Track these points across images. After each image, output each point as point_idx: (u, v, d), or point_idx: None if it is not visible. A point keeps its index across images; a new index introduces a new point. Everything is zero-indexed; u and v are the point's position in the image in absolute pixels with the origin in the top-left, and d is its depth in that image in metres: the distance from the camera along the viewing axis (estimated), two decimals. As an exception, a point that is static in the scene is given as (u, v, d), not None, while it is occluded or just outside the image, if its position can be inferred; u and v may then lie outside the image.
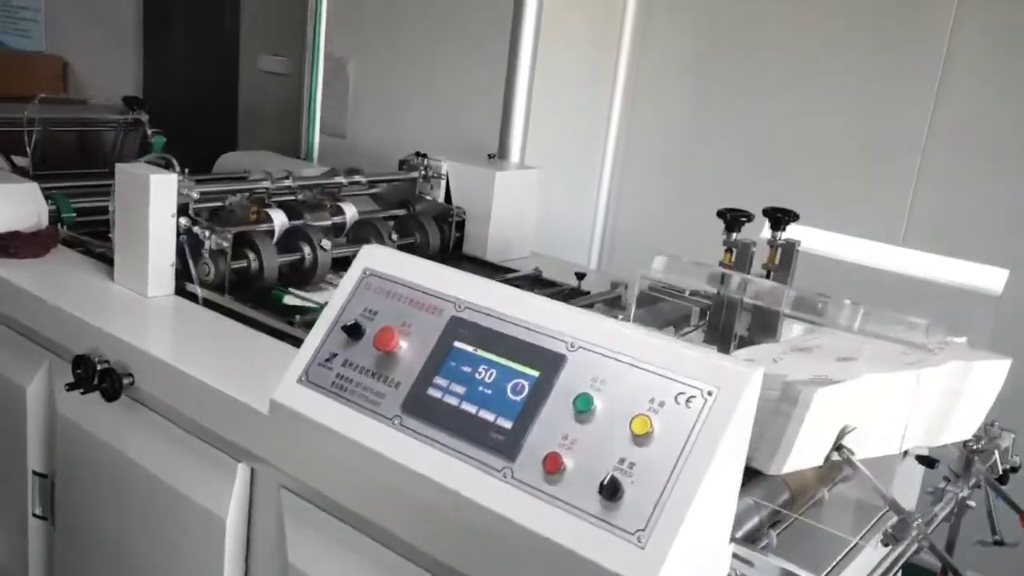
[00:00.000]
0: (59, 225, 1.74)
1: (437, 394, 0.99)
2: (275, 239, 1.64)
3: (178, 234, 1.49)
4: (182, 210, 1.50)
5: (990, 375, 1.07)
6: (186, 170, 1.53)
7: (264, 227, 1.63)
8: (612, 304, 1.64)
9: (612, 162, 2.86)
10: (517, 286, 1.68)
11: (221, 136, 3.81)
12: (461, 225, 1.94)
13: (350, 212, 1.78)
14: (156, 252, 1.46)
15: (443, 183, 1.95)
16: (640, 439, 0.86)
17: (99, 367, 1.29)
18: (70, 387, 1.29)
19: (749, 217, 1.23)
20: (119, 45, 4.43)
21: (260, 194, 1.69)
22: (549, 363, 0.95)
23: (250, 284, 1.54)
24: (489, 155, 2.04)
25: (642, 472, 0.85)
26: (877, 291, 1.53)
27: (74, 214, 1.75)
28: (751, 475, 1.08)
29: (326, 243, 1.60)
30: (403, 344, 1.04)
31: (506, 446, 0.92)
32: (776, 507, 1.08)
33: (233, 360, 1.28)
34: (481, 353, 0.99)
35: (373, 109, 2.94)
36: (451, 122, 2.70)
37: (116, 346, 1.30)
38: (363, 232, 1.76)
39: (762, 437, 1.07)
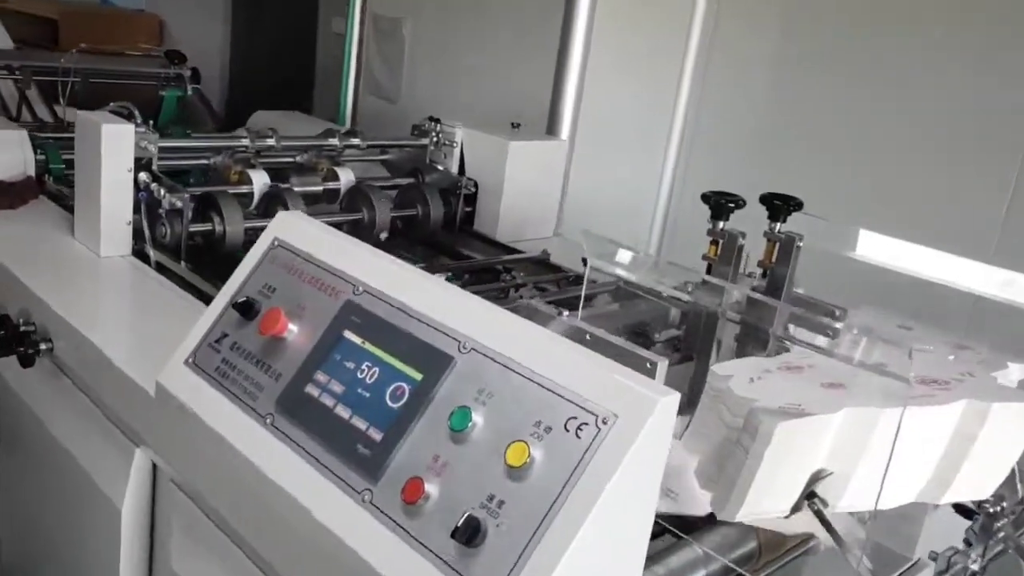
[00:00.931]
0: (47, 176, 1.66)
1: (315, 392, 0.84)
2: (254, 203, 1.52)
3: (139, 191, 1.38)
4: (146, 166, 1.39)
5: (1015, 420, 0.84)
6: (151, 122, 1.41)
7: (243, 189, 1.51)
8: (615, 295, 1.45)
9: (679, 141, 2.63)
10: (509, 270, 1.52)
11: (299, 97, 3.76)
12: (472, 199, 1.77)
13: (345, 178, 1.64)
14: (109, 208, 1.35)
15: (456, 152, 1.79)
16: (515, 472, 0.68)
17: (22, 329, 1.20)
18: (-14, 349, 1.19)
19: (738, 203, 1.02)
20: (209, 4, 4.45)
21: (244, 153, 1.57)
22: (434, 366, 0.78)
23: (215, 249, 1.42)
24: (512, 124, 1.86)
25: (511, 513, 0.67)
26: (929, 307, 1.30)
27: (63, 165, 1.67)
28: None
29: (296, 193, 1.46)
30: (293, 329, 0.89)
31: (371, 463, 0.76)
32: (727, 561, 0.88)
33: (158, 333, 1.15)
34: (368, 347, 0.83)
35: (427, 73, 2.80)
36: (507, 90, 2.52)
37: (41, 308, 1.20)
38: (356, 200, 1.61)
39: (721, 473, 0.88)
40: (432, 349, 0.79)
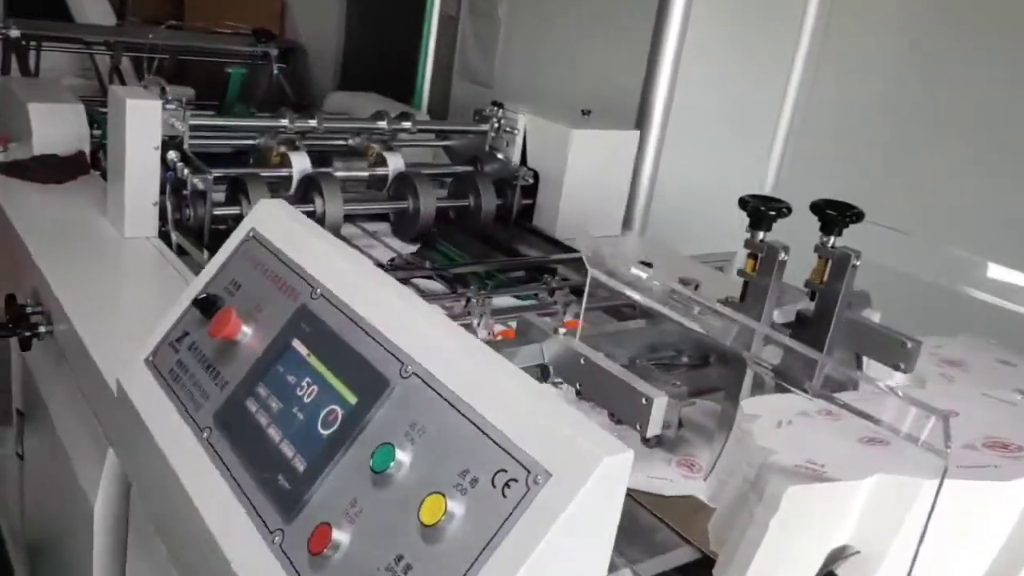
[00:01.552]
0: (101, 152, 1.63)
1: (253, 407, 0.74)
2: (292, 187, 1.45)
3: (167, 170, 1.33)
4: (177, 145, 1.33)
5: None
6: (183, 99, 1.35)
7: (283, 172, 1.44)
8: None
9: (783, 142, 2.42)
10: (549, 271, 1.39)
11: (406, 81, 3.72)
12: (533, 191, 1.64)
13: (393, 164, 1.55)
14: (133, 187, 1.30)
15: (519, 140, 1.67)
16: (428, 531, 0.56)
17: (28, 311, 1.16)
18: (-9, 329, 1.16)
19: (780, 211, 0.86)
20: (327, -14, 4.47)
21: (287, 135, 1.50)
22: (371, 389, 0.66)
23: (243, 234, 1.34)
24: (583, 111, 1.72)
25: (419, 583, 0.56)
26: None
27: (118, 141, 1.64)
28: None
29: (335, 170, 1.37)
30: (246, 332, 0.79)
31: (289, 499, 0.66)
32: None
33: (153, 325, 1.08)
34: (312, 361, 0.73)
35: (522, 58, 2.67)
36: (605, 78, 2.37)
37: (46, 289, 1.15)
38: (402, 188, 1.51)
39: (730, 535, 0.74)
40: (372, 370, 0.67)
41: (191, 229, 1.31)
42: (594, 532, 0.55)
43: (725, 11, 2.11)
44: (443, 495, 0.57)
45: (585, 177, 1.63)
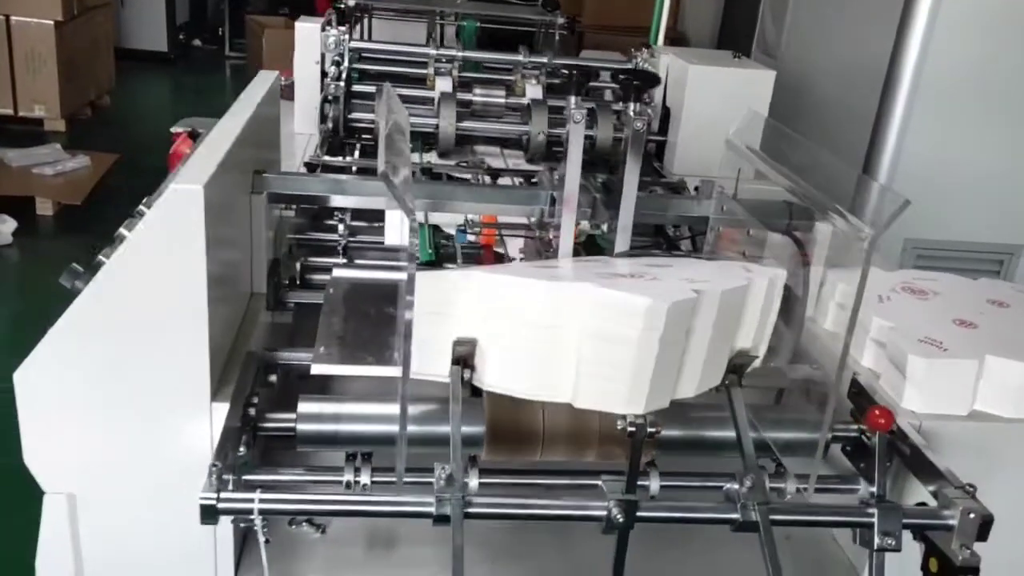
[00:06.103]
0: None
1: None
2: (435, 105, 1.71)
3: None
4: (336, 62, 1.68)
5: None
6: (345, 26, 1.69)
7: (431, 93, 1.71)
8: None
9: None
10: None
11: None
12: (665, 130, 1.71)
13: (531, 93, 1.74)
14: (301, 93, 1.68)
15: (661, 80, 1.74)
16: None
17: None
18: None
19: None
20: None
21: (446, 64, 1.76)
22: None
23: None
24: (734, 54, 1.72)
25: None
26: None
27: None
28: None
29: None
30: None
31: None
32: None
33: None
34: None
35: (806, 28, 2.64)
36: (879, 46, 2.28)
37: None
38: (527, 115, 1.71)
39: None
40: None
41: (334, 126, 1.66)
42: (177, 236, 0.76)
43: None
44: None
45: (710, 116, 1.65)
